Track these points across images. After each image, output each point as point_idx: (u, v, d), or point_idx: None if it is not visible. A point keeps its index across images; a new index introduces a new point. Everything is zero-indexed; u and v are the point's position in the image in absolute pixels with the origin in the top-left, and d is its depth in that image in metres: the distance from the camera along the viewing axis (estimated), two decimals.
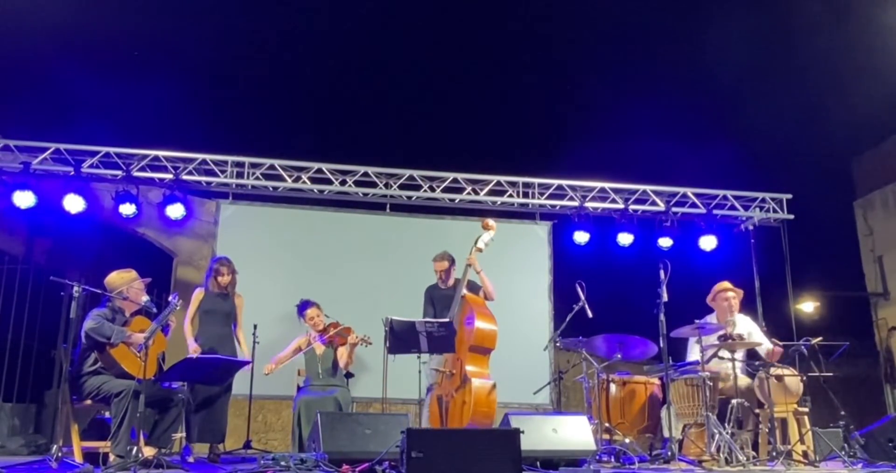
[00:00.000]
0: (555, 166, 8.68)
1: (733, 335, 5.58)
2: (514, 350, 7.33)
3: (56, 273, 4.94)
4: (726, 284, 6.09)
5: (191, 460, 5.47)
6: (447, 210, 7.97)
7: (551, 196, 8.04)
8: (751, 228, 8.31)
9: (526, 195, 8.02)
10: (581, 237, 7.87)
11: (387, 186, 7.80)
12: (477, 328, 5.60)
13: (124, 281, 5.04)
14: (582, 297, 5.93)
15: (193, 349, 5.70)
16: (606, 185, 8.06)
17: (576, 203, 7.97)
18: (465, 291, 5.88)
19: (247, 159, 7.61)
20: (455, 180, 7.90)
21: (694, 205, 8.16)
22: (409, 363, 5.63)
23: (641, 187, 8.10)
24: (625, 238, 7.94)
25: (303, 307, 6.28)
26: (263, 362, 6.51)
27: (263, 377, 6.64)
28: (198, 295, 6.00)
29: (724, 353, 5.52)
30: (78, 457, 4.70)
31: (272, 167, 7.64)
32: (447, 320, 5.45)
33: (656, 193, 8.12)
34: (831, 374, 5.68)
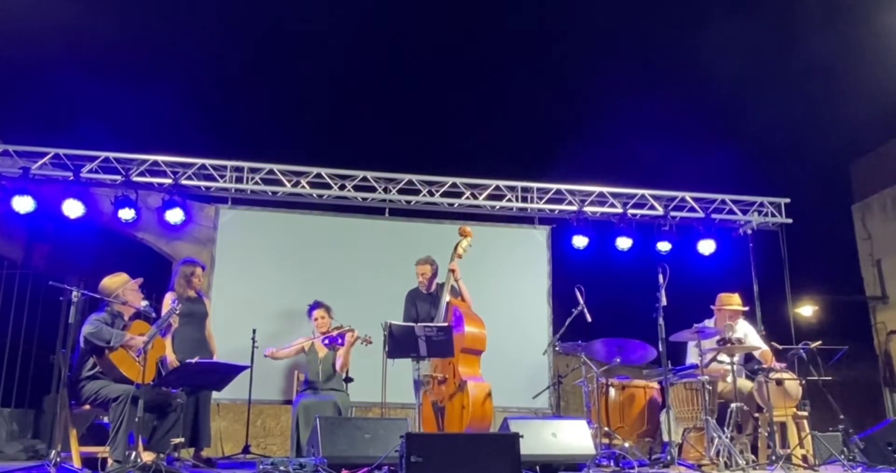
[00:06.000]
0: (553, 171, 8.70)
1: (732, 338, 5.59)
2: (513, 355, 7.34)
3: (55, 278, 4.93)
4: (736, 298, 6.08)
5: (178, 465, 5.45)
6: (446, 215, 7.97)
7: (550, 200, 8.04)
8: (749, 232, 8.32)
9: (525, 200, 8.02)
10: (580, 242, 7.88)
11: (386, 190, 7.81)
12: (467, 331, 5.62)
13: (117, 285, 5.04)
14: (581, 301, 5.94)
15: (171, 361, 5.66)
16: (605, 189, 8.07)
17: (574, 208, 7.97)
18: (448, 296, 5.89)
19: (246, 164, 7.62)
20: (454, 185, 7.91)
21: (692, 209, 8.18)
22: (409, 367, 5.62)
23: (640, 192, 8.11)
24: (623, 242, 7.95)
25: (312, 307, 6.34)
26: (262, 366, 6.52)
27: (262, 381, 6.65)
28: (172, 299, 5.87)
29: (723, 356, 5.53)
30: (76, 462, 4.68)
31: (271, 172, 7.64)
32: (446, 324, 5.45)
33: (655, 197, 8.14)
34: (830, 378, 5.69)
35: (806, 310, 12.99)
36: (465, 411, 5.42)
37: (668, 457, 5.06)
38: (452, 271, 6.00)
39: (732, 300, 6.05)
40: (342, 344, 6.13)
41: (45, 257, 9.32)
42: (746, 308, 6.12)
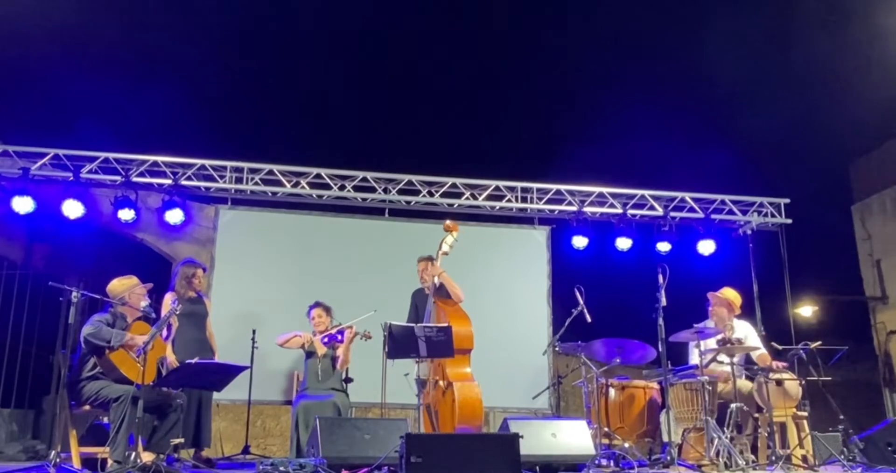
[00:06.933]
0: (553, 171, 8.71)
1: (731, 338, 5.58)
2: (512, 355, 7.34)
3: (55, 279, 4.94)
4: (726, 290, 6.09)
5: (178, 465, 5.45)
6: (446, 215, 7.93)
7: (550, 201, 8.04)
8: (749, 232, 8.32)
9: (524, 200, 8.02)
10: (579, 242, 7.88)
11: (385, 190, 7.80)
12: (453, 331, 5.56)
13: (125, 287, 5.05)
14: (581, 301, 5.93)
15: (170, 362, 5.64)
16: (605, 190, 8.07)
17: (574, 208, 7.97)
18: (432, 297, 5.86)
19: (245, 165, 7.62)
20: (454, 185, 7.90)
21: (692, 210, 8.18)
22: (408, 368, 5.61)
23: (640, 192, 8.11)
24: (623, 243, 7.95)
25: (311, 307, 6.35)
26: (262, 367, 6.53)
27: (262, 382, 6.66)
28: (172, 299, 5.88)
29: (723, 357, 5.53)
30: (76, 463, 4.68)
31: (271, 172, 7.64)
32: (446, 324, 5.43)
33: (655, 197, 8.13)
34: (830, 378, 5.69)
35: (806, 310, 13.00)
36: (454, 407, 5.39)
37: (668, 458, 5.06)
38: (434, 274, 5.88)
39: (723, 292, 6.05)
40: (342, 341, 6.13)
41: (44, 258, 9.32)
42: (738, 301, 6.08)
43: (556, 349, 6.37)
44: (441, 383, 5.57)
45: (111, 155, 7.37)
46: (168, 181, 7.39)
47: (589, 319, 5.89)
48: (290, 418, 5.95)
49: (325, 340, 6.14)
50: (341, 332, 6.12)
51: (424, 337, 5.10)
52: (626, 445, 5.67)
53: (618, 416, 6.11)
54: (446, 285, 5.90)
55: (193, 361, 5.05)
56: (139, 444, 4.50)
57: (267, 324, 6.84)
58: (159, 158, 7.42)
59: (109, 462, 4.58)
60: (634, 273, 7.72)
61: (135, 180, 7.35)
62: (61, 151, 7.31)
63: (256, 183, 7.62)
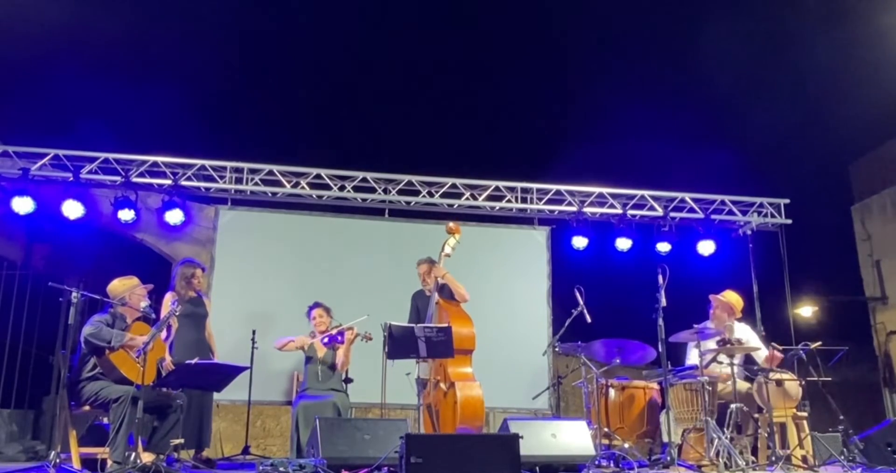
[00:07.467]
0: (553, 171, 8.71)
1: (731, 339, 5.58)
2: (512, 355, 7.34)
3: (55, 279, 4.94)
4: (729, 294, 6.10)
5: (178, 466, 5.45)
6: (446, 216, 7.95)
7: (549, 201, 8.04)
8: (749, 233, 8.32)
9: (524, 200, 8.02)
10: (579, 242, 7.88)
11: (385, 191, 7.80)
12: (455, 331, 5.57)
13: (126, 288, 5.05)
14: (580, 302, 5.93)
15: (167, 363, 5.60)
16: (605, 190, 8.07)
17: (574, 208, 7.97)
18: (437, 296, 5.86)
19: (245, 165, 7.62)
20: (454, 186, 7.90)
21: (692, 210, 8.18)
22: (408, 369, 5.62)
23: (639, 193, 8.11)
24: (623, 243, 7.95)
25: (311, 307, 6.35)
26: (262, 367, 6.53)
27: (262, 382, 6.66)
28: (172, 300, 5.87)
29: (723, 357, 5.53)
30: (76, 463, 4.68)
31: (271, 173, 7.64)
32: (446, 325, 5.43)
33: (654, 198, 8.13)
34: (830, 379, 5.69)
35: (805, 311, 13.00)
36: (456, 408, 5.39)
37: (668, 458, 5.06)
38: (437, 276, 5.88)
39: (725, 295, 6.05)
40: (342, 342, 6.13)
41: (44, 258, 9.33)
42: (739, 305, 6.08)
43: (556, 349, 6.37)
44: (442, 384, 5.57)
45: (111, 155, 7.37)
46: (168, 182, 7.39)
47: (589, 319, 5.89)
48: (290, 418, 5.96)
49: (326, 340, 6.14)
50: (342, 333, 6.13)
51: (424, 337, 5.10)
52: (626, 445, 5.67)
53: (618, 416, 6.11)
54: (451, 285, 5.92)
55: (193, 361, 5.05)
56: (139, 444, 4.50)
57: (267, 324, 6.85)
58: (159, 159, 7.42)
59: (109, 462, 4.58)
60: (634, 274, 7.72)
61: (135, 180, 7.35)
62: (61, 152, 7.31)
63: (256, 183, 7.62)
